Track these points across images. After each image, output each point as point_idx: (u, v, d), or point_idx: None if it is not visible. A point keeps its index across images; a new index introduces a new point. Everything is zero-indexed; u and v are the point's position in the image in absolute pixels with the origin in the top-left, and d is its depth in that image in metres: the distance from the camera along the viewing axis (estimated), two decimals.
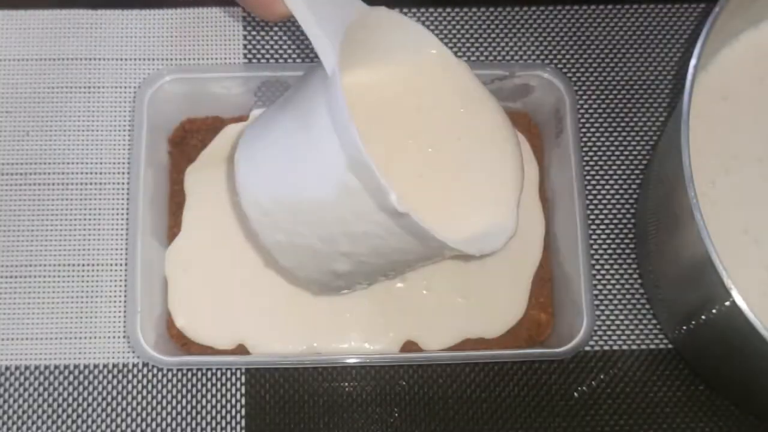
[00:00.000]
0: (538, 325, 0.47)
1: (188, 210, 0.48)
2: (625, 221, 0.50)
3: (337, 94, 0.35)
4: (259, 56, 0.51)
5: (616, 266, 0.49)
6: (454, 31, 0.52)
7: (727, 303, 0.36)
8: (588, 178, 0.50)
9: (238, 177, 0.39)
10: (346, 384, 0.47)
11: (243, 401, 0.46)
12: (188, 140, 0.49)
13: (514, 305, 0.47)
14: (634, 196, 0.50)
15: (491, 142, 0.43)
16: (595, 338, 0.48)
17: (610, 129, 0.51)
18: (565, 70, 0.51)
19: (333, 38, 0.36)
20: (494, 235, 0.41)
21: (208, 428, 0.46)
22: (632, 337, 0.48)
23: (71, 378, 0.46)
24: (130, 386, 0.46)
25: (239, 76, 0.48)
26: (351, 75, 0.40)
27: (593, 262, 0.49)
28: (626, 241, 0.49)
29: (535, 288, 0.48)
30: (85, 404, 0.46)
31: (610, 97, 0.51)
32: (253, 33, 0.52)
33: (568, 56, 0.52)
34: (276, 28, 0.52)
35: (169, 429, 0.46)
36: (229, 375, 0.47)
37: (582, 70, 0.52)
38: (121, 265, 0.48)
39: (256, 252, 0.47)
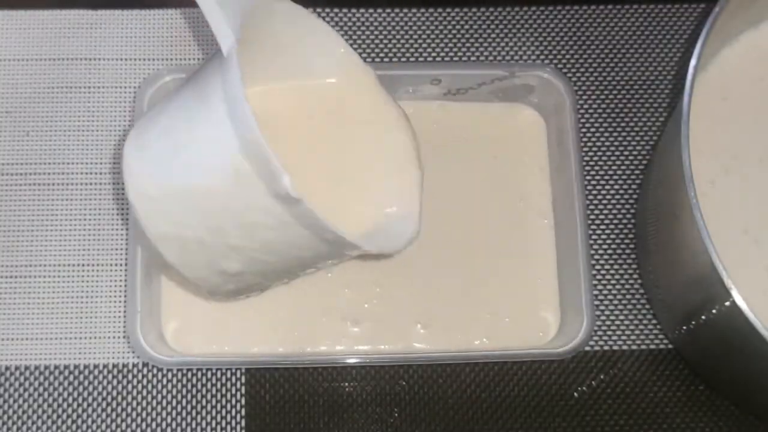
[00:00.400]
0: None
1: None
2: (625, 221, 0.50)
3: (232, 71, 0.33)
4: None
5: (616, 266, 0.49)
6: (454, 31, 0.52)
7: (727, 303, 0.36)
8: (588, 178, 0.50)
9: (125, 163, 0.37)
10: (346, 384, 0.47)
11: (243, 401, 0.46)
12: None
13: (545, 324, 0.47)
14: (634, 196, 0.50)
15: (393, 145, 0.43)
16: (595, 338, 0.48)
17: (610, 129, 0.51)
18: (565, 70, 0.51)
19: (232, 16, 0.35)
20: (397, 235, 0.40)
21: (208, 428, 0.46)
22: (632, 337, 0.48)
23: (71, 378, 0.46)
24: (130, 386, 0.46)
25: None
26: (253, 71, 0.39)
27: (593, 262, 0.49)
28: (626, 241, 0.49)
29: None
30: (85, 404, 0.46)
31: (610, 97, 0.51)
32: None
33: (568, 56, 0.52)
34: None
35: (169, 429, 0.46)
36: (229, 375, 0.47)
37: (582, 70, 0.52)
38: (121, 265, 0.48)
39: None
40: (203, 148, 0.35)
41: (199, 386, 0.46)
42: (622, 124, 0.51)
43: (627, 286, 0.49)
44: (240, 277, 0.39)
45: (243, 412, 0.46)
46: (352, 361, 0.45)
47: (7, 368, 0.46)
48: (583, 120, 0.51)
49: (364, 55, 0.52)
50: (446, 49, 0.52)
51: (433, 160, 0.48)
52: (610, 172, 0.50)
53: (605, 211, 0.50)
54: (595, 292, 0.48)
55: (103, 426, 0.46)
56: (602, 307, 0.48)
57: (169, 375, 0.46)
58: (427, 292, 0.47)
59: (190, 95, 0.37)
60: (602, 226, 0.50)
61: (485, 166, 0.49)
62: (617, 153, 0.51)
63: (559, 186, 0.48)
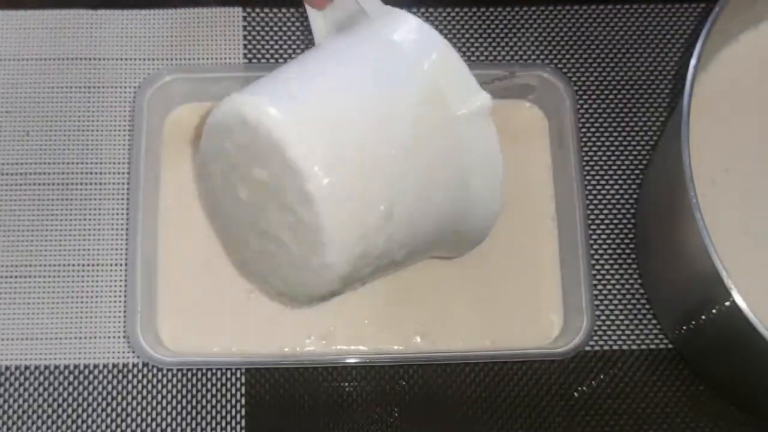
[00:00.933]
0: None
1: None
2: (625, 221, 0.50)
3: (411, 17, 0.39)
4: (259, 56, 0.51)
5: (616, 266, 0.49)
6: (454, 31, 0.52)
7: (727, 303, 0.36)
8: (588, 178, 0.50)
9: (278, 118, 0.36)
10: (346, 384, 0.47)
11: (243, 401, 0.46)
12: None
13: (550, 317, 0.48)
14: (634, 196, 0.50)
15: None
16: (595, 338, 0.48)
17: (610, 129, 0.51)
18: (565, 70, 0.51)
19: None
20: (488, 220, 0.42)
21: (208, 428, 0.46)
22: (632, 337, 0.48)
23: (71, 378, 0.46)
24: (130, 386, 0.46)
25: (239, 76, 0.48)
26: None
27: (593, 262, 0.49)
28: (626, 241, 0.49)
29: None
30: (85, 404, 0.46)
31: (610, 97, 0.51)
32: (253, 33, 0.52)
33: (568, 56, 0.52)
34: (276, 28, 0.52)
35: (169, 429, 0.46)
36: (229, 375, 0.47)
37: (582, 70, 0.52)
38: (121, 265, 0.48)
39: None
40: (389, 75, 0.38)
41: (199, 386, 0.46)
42: (622, 124, 0.51)
43: (627, 286, 0.49)
44: (384, 227, 0.38)
45: (243, 412, 0.46)
46: (351, 360, 0.45)
47: (7, 368, 0.46)
48: (583, 120, 0.51)
49: None
50: None
51: None
52: (610, 172, 0.50)
53: (605, 211, 0.50)
54: (595, 292, 0.48)
55: (103, 426, 0.46)
56: (602, 307, 0.48)
57: (169, 375, 0.46)
58: (433, 292, 0.47)
59: (355, 52, 0.40)
60: (602, 226, 0.50)
61: None
62: (617, 153, 0.51)
63: (560, 186, 0.48)
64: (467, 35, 0.52)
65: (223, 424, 0.46)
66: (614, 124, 0.51)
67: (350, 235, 0.37)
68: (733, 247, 0.40)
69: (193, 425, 0.46)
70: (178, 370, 0.47)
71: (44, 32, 0.51)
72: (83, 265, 0.48)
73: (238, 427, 0.46)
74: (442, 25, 0.52)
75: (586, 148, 0.51)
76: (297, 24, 0.52)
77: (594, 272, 0.49)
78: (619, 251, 0.49)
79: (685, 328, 0.45)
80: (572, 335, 0.45)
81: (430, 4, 0.52)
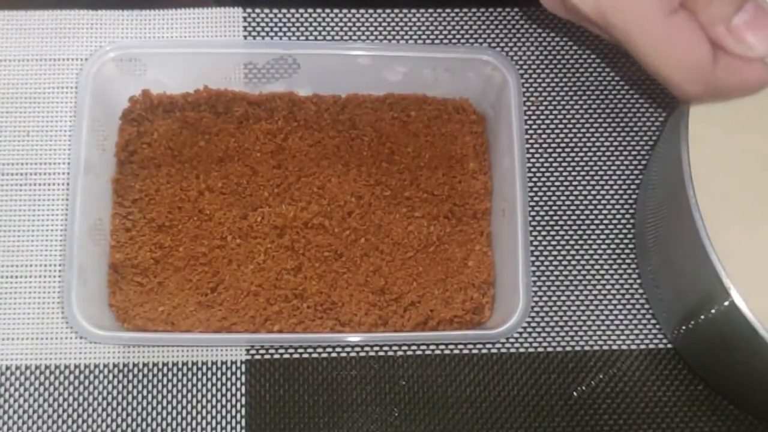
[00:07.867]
0: (477, 306, 0.47)
1: None
2: (624, 221, 0.50)
3: None
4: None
5: (615, 266, 0.49)
6: (453, 32, 0.52)
7: (726, 303, 0.36)
8: (587, 179, 0.50)
9: None
10: (346, 382, 0.47)
11: (243, 401, 0.46)
12: None
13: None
14: (633, 196, 0.50)
15: None
16: (595, 338, 0.48)
17: (609, 129, 0.51)
18: (564, 71, 0.52)
19: None
20: None
21: (209, 427, 0.46)
22: (631, 336, 0.48)
23: (71, 378, 0.46)
24: (130, 386, 0.46)
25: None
26: None
27: (593, 261, 0.49)
28: (626, 241, 0.49)
29: (475, 269, 0.48)
30: (85, 404, 0.46)
31: (609, 97, 0.52)
32: (254, 33, 0.52)
33: (567, 57, 0.52)
34: (276, 29, 0.52)
35: (169, 428, 0.46)
36: (229, 375, 0.47)
37: (582, 70, 0.52)
38: None
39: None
40: None
41: (200, 385, 0.46)
42: (622, 125, 0.51)
43: (626, 286, 0.49)
44: None
45: (243, 411, 0.46)
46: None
47: (7, 368, 0.46)
48: (582, 120, 0.51)
49: None
50: None
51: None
52: (610, 173, 0.50)
53: (605, 212, 0.50)
54: (595, 292, 0.48)
55: (104, 426, 0.46)
56: (602, 307, 0.48)
57: (170, 375, 0.47)
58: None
59: None
60: (601, 226, 0.50)
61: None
62: (616, 154, 0.51)
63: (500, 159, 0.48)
64: (467, 35, 0.52)
65: (224, 423, 0.46)
66: (614, 124, 0.51)
67: None
68: (732, 247, 0.40)
69: (194, 425, 0.46)
70: (178, 369, 0.47)
71: (44, 32, 0.51)
72: None
73: (239, 426, 0.46)
74: (441, 26, 0.52)
75: (585, 149, 0.51)
76: (297, 24, 0.52)
77: (594, 272, 0.49)
78: (618, 251, 0.49)
79: (684, 327, 0.45)
80: (506, 316, 0.44)
81: (429, 5, 0.52)
